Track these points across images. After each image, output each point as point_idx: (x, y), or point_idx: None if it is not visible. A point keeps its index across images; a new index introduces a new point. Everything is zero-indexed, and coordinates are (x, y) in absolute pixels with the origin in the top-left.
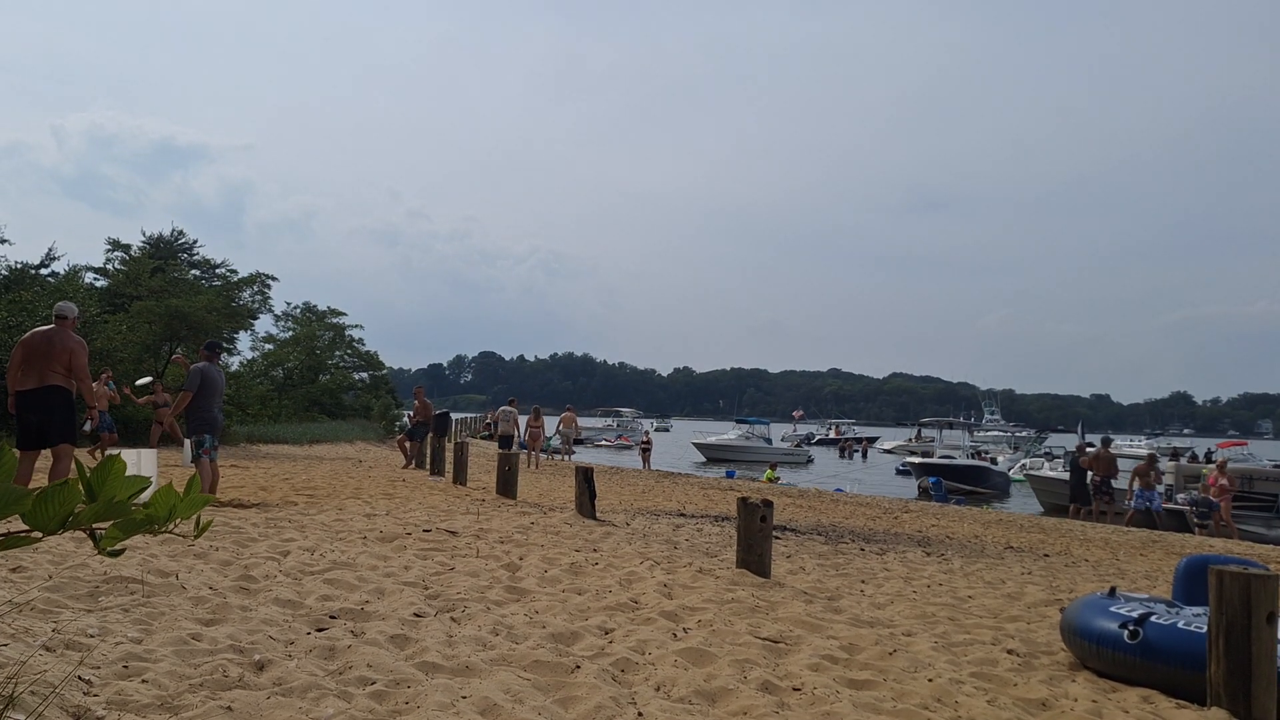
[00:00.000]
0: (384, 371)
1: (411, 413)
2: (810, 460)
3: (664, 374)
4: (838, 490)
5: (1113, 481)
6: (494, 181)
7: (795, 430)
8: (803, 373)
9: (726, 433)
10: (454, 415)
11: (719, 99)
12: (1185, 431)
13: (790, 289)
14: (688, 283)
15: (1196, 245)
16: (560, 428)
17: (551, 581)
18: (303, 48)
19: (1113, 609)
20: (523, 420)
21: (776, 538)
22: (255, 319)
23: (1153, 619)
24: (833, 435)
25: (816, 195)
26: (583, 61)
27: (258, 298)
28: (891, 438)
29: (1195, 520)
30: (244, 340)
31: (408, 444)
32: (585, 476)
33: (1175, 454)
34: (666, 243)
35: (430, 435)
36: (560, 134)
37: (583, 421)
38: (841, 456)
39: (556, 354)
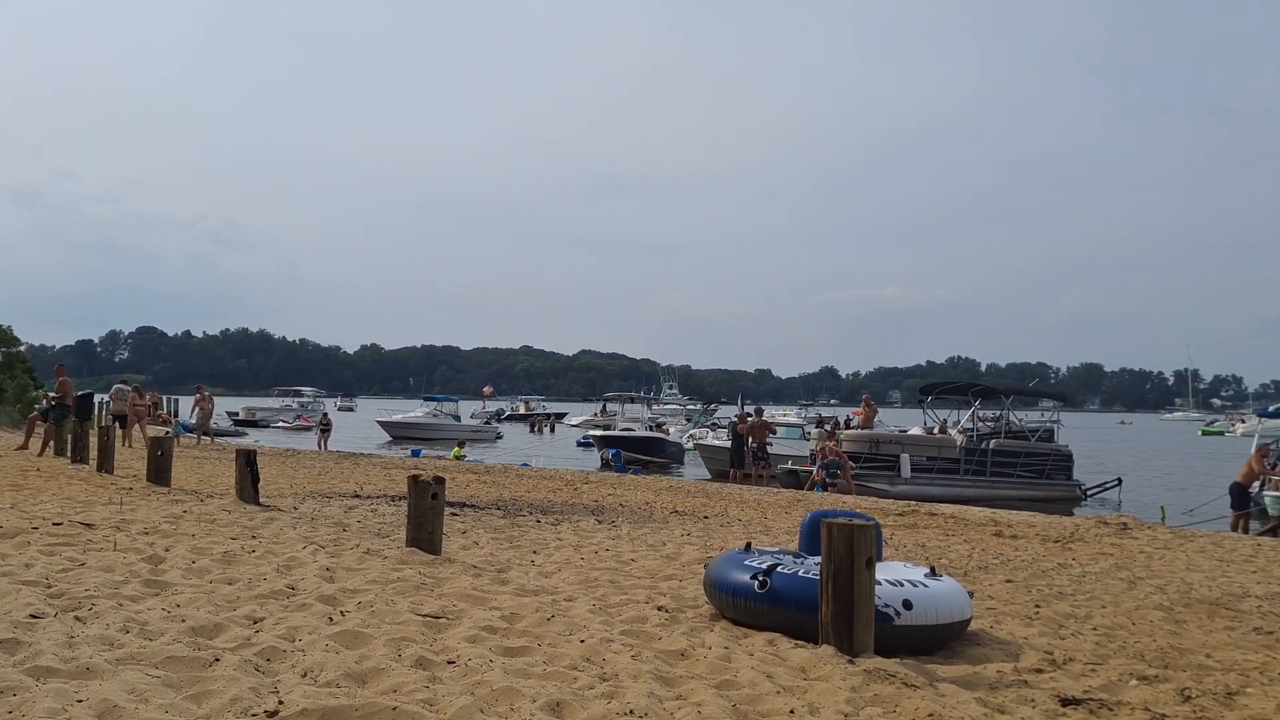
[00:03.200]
0: (20, 348)
1: (51, 393)
2: (499, 437)
3: (350, 351)
4: (523, 465)
5: (767, 447)
6: (155, 140)
7: (485, 407)
8: (495, 350)
9: (413, 411)
10: (100, 397)
11: (409, 66)
12: (831, 402)
13: (483, 266)
14: (377, 257)
15: (842, 235)
16: (195, 409)
17: (199, 572)
18: None
19: (746, 562)
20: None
21: (454, 514)
22: None
23: (779, 569)
24: (522, 411)
25: (510, 174)
26: (258, 13)
27: None
28: (579, 413)
29: (825, 479)
30: None
31: (41, 426)
32: (247, 460)
33: (820, 422)
34: (354, 214)
35: (71, 418)
36: (238, 91)
37: (259, 402)
38: (531, 432)
39: (229, 329)
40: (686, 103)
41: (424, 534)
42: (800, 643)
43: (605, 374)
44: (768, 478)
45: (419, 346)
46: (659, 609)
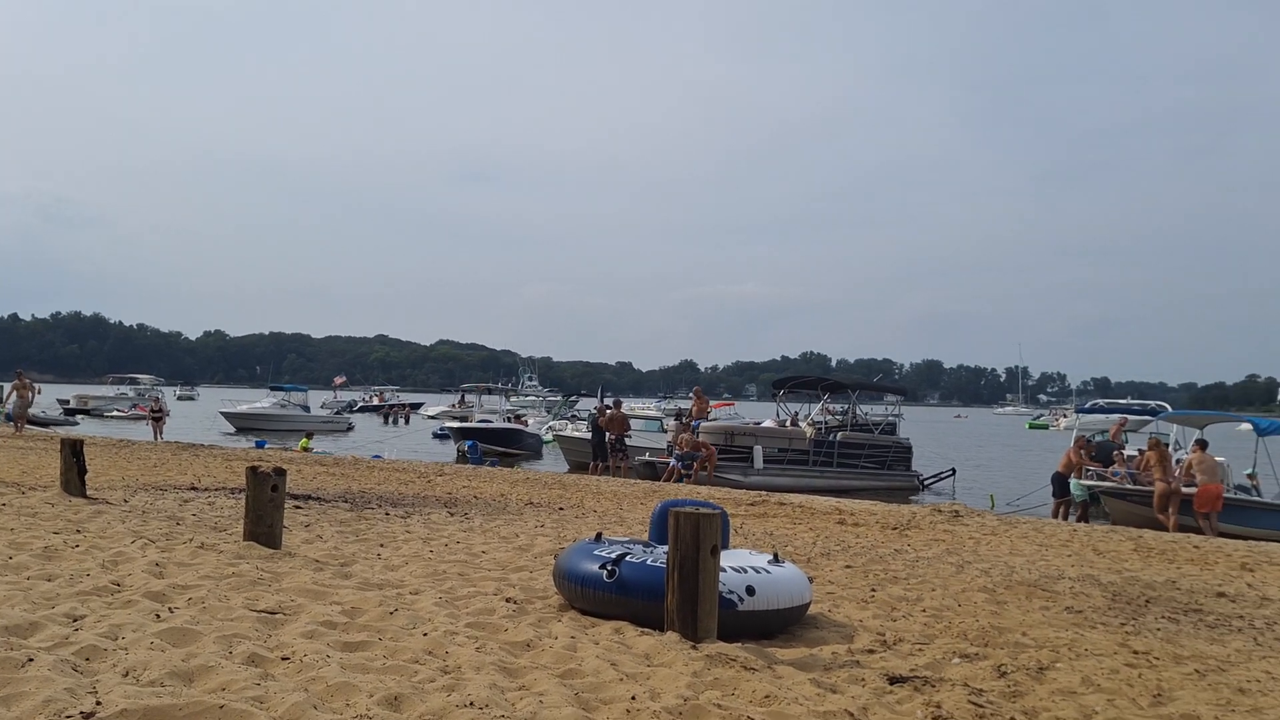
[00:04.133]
0: None
1: None
2: (351, 428)
3: (192, 338)
4: (375, 457)
5: (626, 439)
6: None
7: (337, 397)
8: (349, 339)
9: (259, 401)
10: None
11: (261, 45)
12: (690, 395)
13: (337, 253)
14: (223, 240)
15: (704, 232)
16: (10, 396)
17: (16, 569)
18: None
19: (596, 552)
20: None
21: (298, 508)
22: None
23: (628, 558)
24: (376, 402)
25: (366, 158)
26: None
27: None
28: (436, 404)
29: (682, 471)
30: None
31: None
32: (73, 450)
33: (678, 415)
34: (199, 196)
35: None
36: (76, 62)
37: (92, 390)
38: (385, 423)
39: (59, 313)
40: (552, 92)
41: (263, 527)
42: (646, 631)
43: (464, 365)
44: (625, 469)
45: (267, 334)
46: (507, 600)
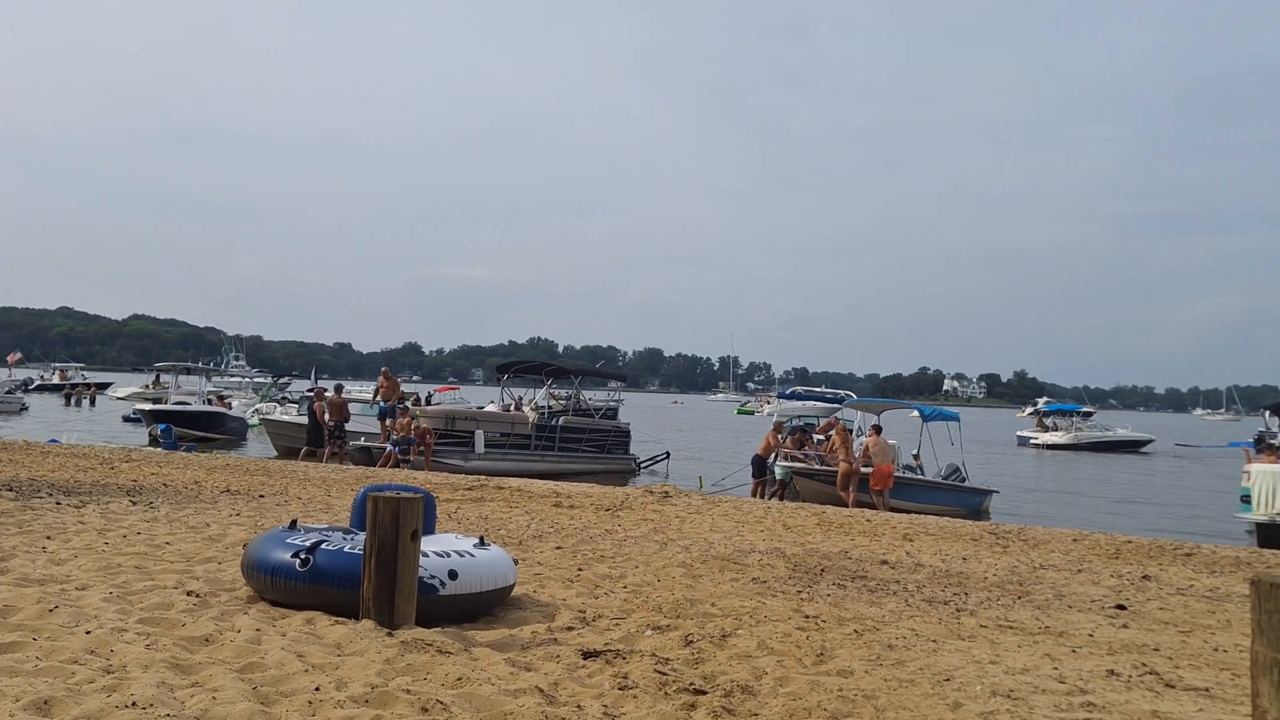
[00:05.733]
0: None
1: None
2: (24, 408)
3: None
4: (52, 441)
5: (344, 424)
6: None
7: (11, 375)
8: (25, 310)
9: None
10: None
11: None
12: (415, 378)
13: (12, 214)
14: None
15: (432, 212)
16: None
17: None
18: None
19: (290, 540)
20: None
21: None
22: None
23: (324, 546)
24: (57, 380)
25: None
26: None
27: None
28: (127, 384)
29: (399, 456)
30: None
31: None
32: None
33: (402, 398)
34: None
35: None
36: None
37: None
38: (67, 405)
39: None
40: (272, 55)
41: None
42: (341, 620)
43: (162, 342)
44: (342, 455)
45: None
46: (189, 594)
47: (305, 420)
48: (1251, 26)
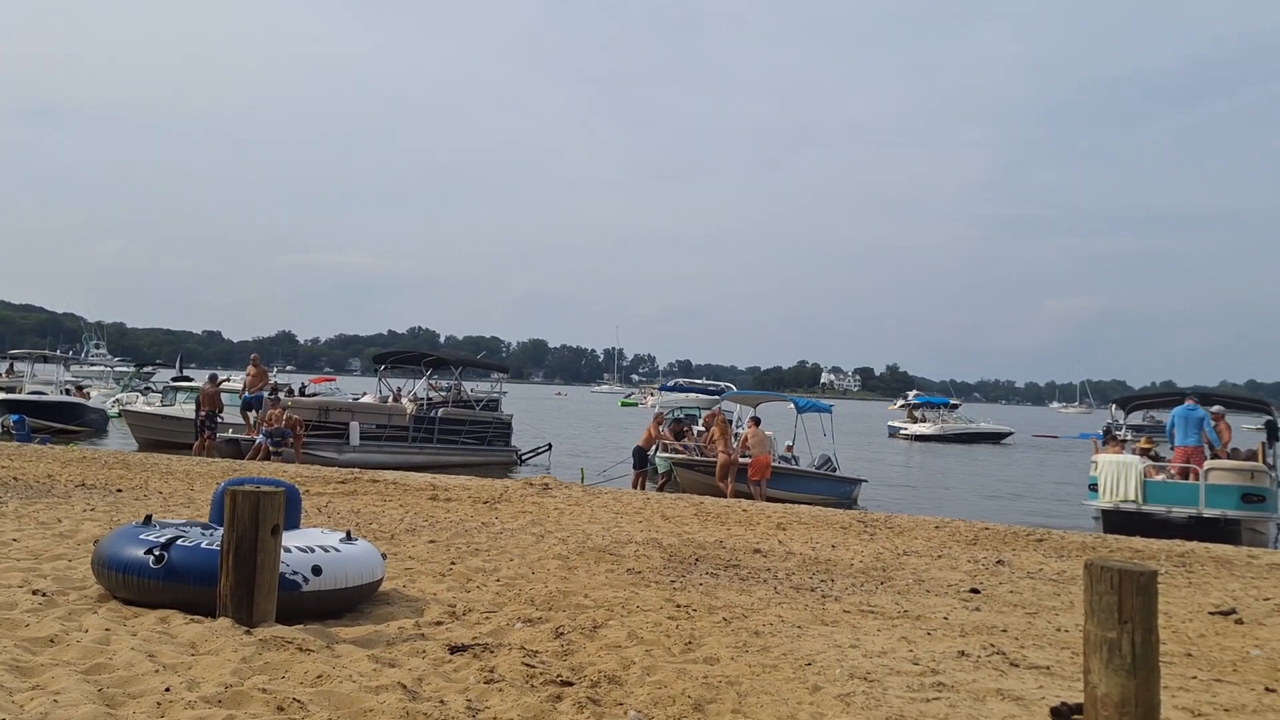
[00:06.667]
0: None
1: None
2: None
3: None
4: None
5: (217, 416)
6: None
7: None
8: None
9: None
10: None
11: None
12: (289, 368)
13: None
14: None
15: (307, 197)
16: None
17: None
18: None
19: (144, 536)
20: None
21: None
22: None
23: (180, 542)
24: None
25: None
26: None
27: None
28: None
29: (270, 449)
30: None
31: None
32: None
33: (275, 389)
34: None
35: None
36: None
37: None
38: None
39: None
40: (139, 26)
41: None
42: (197, 618)
43: (17, 329)
44: (211, 448)
45: None
46: (35, 593)
47: (168, 412)
48: (1112, 41)
